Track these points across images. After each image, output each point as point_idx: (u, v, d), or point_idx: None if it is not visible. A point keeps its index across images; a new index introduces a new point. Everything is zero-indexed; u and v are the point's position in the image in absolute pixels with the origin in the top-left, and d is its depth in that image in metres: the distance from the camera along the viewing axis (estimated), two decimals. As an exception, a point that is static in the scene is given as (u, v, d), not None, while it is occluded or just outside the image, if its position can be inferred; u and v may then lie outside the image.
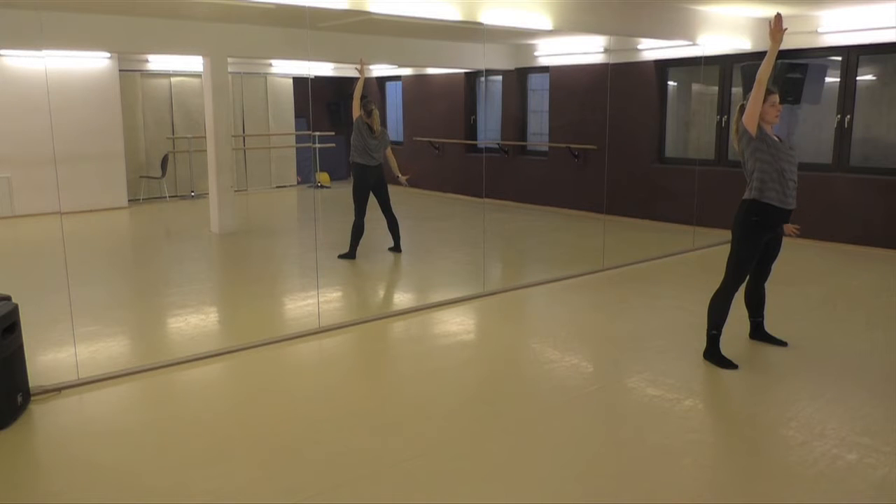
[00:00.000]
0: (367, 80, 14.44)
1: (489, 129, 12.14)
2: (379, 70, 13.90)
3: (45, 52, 9.29)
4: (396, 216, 7.62)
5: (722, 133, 9.08)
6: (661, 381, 4.10)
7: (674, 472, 3.12)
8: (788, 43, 8.14)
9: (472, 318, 5.59)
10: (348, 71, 13.99)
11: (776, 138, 4.23)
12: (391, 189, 7.57)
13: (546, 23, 6.33)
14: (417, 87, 13.36)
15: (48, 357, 4.53)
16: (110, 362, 4.45)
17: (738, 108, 4.32)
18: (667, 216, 9.36)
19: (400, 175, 7.62)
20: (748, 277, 4.47)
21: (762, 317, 4.71)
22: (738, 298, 4.44)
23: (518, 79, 11.42)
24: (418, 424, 3.62)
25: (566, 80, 10.52)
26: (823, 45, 7.91)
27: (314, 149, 13.35)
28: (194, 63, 11.27)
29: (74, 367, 4.22)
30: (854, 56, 7.82)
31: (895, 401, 3.85)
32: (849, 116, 7.93)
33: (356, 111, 7.29)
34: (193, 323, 5.37)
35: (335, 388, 4.19)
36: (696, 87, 9.81)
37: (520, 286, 6.39)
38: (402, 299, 6.42)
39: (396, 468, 3.16)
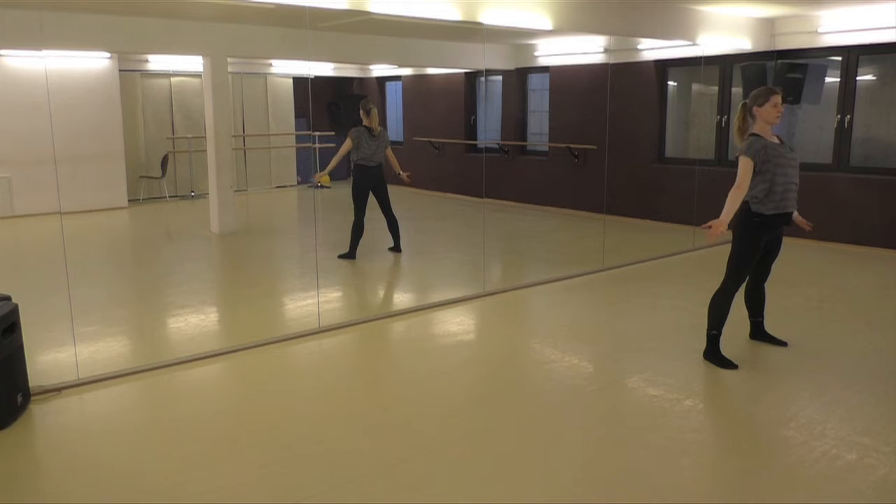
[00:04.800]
0: (367, 80, 14.50)
1: (489, 129, 12.14)
2: (379, 70, 13.91)
3: (45, 52, 9.30)
4: (396, 216, 7.62)
5: (722, 133, 9.08)
6: (661, 381, 4.10)
7: (673, 472, 3.12)
8: (788, 43, 8.19)
9: (473, 318, 5.59)
10: (348, 71, 14.01)
11: (777, 139, 4.23)
12: (391, 189, 7.57)
13: (546, 23, 6.33)
14: (417, 87, 13.36)
15: (48, 357, 4.53)
16: (110, 362, 4.45)
17: (738, 107, 4.33)
18: (667, 216, 9.36)
19: (402, 172, 7.61)
20: (748, 277, 4.47)
21: (762, 317, 4.71)
22: (738, 298, 4.43)
23: (518, 79, 11.42)
24: (418, 424, 3.62)
25: (566, 80, 10.52)
26: (823, 45, 7.91)
27: (314, 149, 13.35)
28: (194, 63, 11.28)
29: (74, 367, 4.22)
30: (854, 56, 7.82)
31: (895, 401, 3.86)
32: (849, 116, 7.93)
33: (347, 147, 7.26)
34: (193, 323, 5.37)
35: (335, 388, 4.19)
36: (696, 87, 9.82)
37: (520, 286, 6.39)
38: (402, 299, 6.42)
39: (396, 468, 3.16)
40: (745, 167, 4.12)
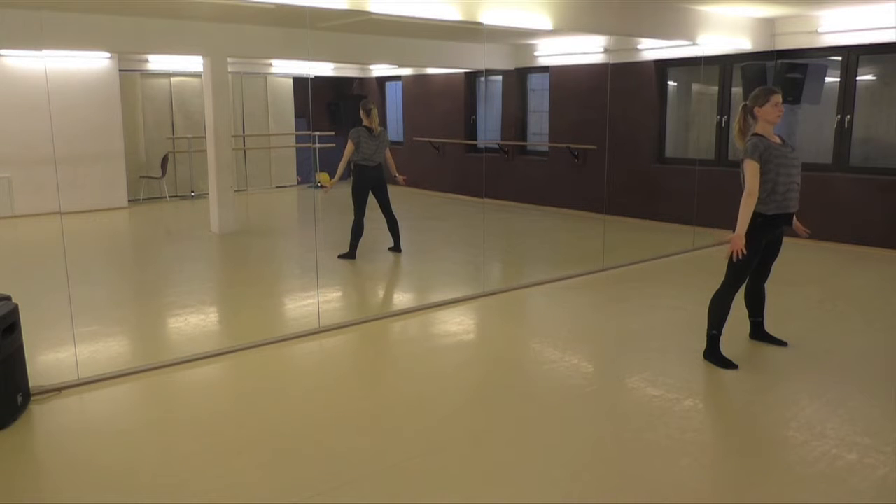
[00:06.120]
0: (367, 80, 14.50)
1: (489, 129, 12.14)
2: (379, 70, 13.91)
3: (45, 52, 9.30)
4: (396, 216, 7.62)
5: (722, 133, 9.08)
6: (661, 381, 4.10)
7: (673, 472, 3.12)
8: (788, 43, 8.19)
9: (472, 318, 5.59)
10: (348, 71, 14.01)
11: (778, 140, 4.22)
12: (391, 189, 7.57)
13: (546, 23, 6.33)
14: (417, 87, 13.37)
15: (48, 357, 4.53)
16: (110, 362, 4.45)
17: (739, 108, 4.32)
18: (667, 216, 9.36)
19: (398, 175, 7.63)
20: (748, 277, 4.47)
21: (762, 317, 4.71)
22: (738, 298, 4.43)
23: (518, 79, 11.42)
24: (418, 424, 3.62)
25: (566, 80, 10.52)
26: (823, 45, 7.91)
27: (314, 149, 13.35)
28: (194, 63, 11.28)
29: (74, 367, 4.22)
30: (854, 56, 7.82)
31: (895, 401, 3.86)
32: (849, 116, 7.93)
33: (350, 149, 7.23)
34: (193, 323, 5.37)
35: (335, 389, 4.19)
36: (696, 87, 9.82)
37: (520, 286, 6.39)
38: (402, 299, 6.42)
39: (396, 468, 3.16)
40: (752, 171, 4.09)
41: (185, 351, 4.65)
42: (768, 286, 4.62)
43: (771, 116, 4.16)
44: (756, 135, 4.19)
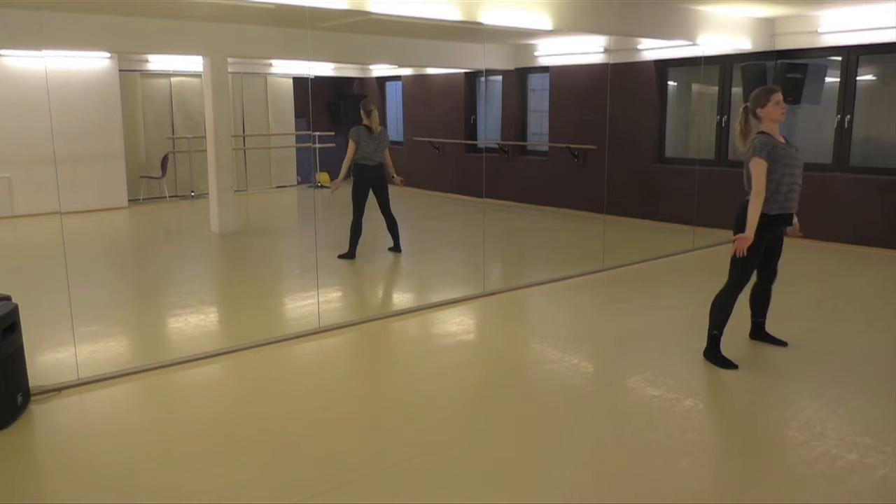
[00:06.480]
0: (367, 80, 14.49)
1: (489, 129, 12.14)
2: (379, 70, 13.91)
3: (45, 52, 9.30)
4: (396, 216, 7.62)
5: (722, 133, 9.08)
6: (661, 381, 4.10)
7: (673, 472, 3.12)
8: (788, 43, 8.19)
9: (472, 318, 5.59)
10: (348, 71, 14.01)
11: (782, 140, 4.22)
12: (390, 189, 7.57)
13: (546, 23, 6.33)
14: (417, 87, 13.37)
15: (48, 357, 4.53)
16: (110, 362, 4.45)
17: (740, 109, 4.31)
18: (667, 216, 9.36)
19: (395, 175, 7.63)
20: (757, 278, 4.48)
21: (764, 317, 4.70)
22: (739, 299, 4.43)
23: (518, 79, 11.42)
24: (418, 425, 3.62)
25: (566, 80, 10.52)
26: (823, 45, 7.91)
27: (314, 149, 13.35)
28: (194, 63, 11.28)
29: (74, 367, 4.22)
30: (854, 56, 7.82)
31: (895, 401, 3.86)
32: (849, 116, 7.93)
33: (352, 149, 7.22)
34: (193, 323, 5.37)
35: (335, 389, 4.19)
36: (696, 87, 9.82)
37: (520, 286, 6.39)
38: (402, 299, 6.42)
39: (396, 468, 3.16)
40: (760, 171, 4.06)
41: (185, 351, 4.65)
42: (768, 286, 4.62)
43: (775, 115, 4.16)
44: (762, 132, 4.18)
